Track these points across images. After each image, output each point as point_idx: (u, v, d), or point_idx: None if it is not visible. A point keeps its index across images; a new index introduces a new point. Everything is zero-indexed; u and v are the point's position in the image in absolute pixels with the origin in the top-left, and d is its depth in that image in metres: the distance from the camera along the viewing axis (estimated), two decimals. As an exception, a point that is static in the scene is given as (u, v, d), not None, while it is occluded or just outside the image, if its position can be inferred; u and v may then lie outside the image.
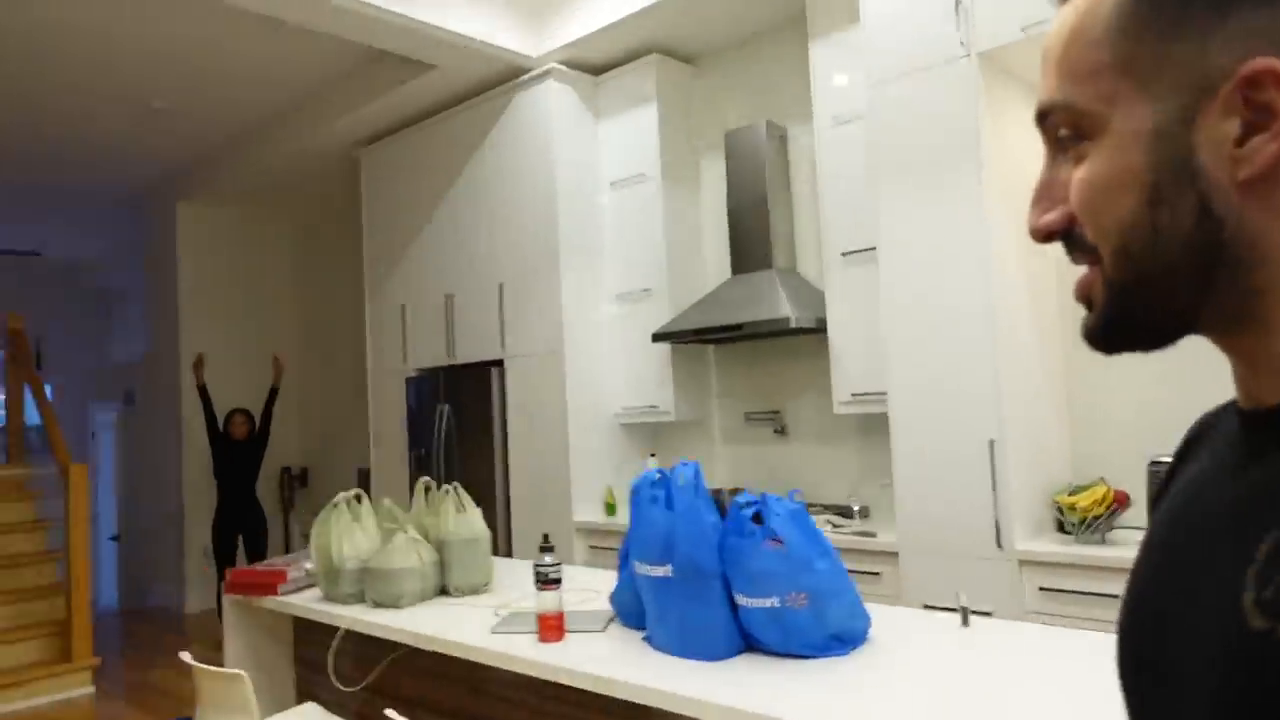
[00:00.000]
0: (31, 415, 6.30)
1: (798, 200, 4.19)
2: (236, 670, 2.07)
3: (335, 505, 2.69)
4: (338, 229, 7.48)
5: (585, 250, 4.60)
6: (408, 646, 2.62)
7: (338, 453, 7.51)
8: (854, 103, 3.63)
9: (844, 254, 3.65)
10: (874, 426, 3.90)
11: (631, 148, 4.55)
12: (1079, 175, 0.52)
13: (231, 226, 7.61)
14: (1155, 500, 0.58)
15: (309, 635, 3.15)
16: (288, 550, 7.70)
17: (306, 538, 7.01)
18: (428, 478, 2.85)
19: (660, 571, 1.90)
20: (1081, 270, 0.54)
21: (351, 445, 7.32)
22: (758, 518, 1.83)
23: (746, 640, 1.87)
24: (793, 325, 3.62)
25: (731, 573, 1.83)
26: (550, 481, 4.52)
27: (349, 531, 2.64)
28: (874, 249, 3.47)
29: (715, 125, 4.59)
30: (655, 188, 4.44)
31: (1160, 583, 0.51)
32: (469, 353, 4.99)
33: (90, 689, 5.10)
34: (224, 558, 6.18)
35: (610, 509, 4.47)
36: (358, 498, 2.74)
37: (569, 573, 2.96)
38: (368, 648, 2.81)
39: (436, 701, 2.59)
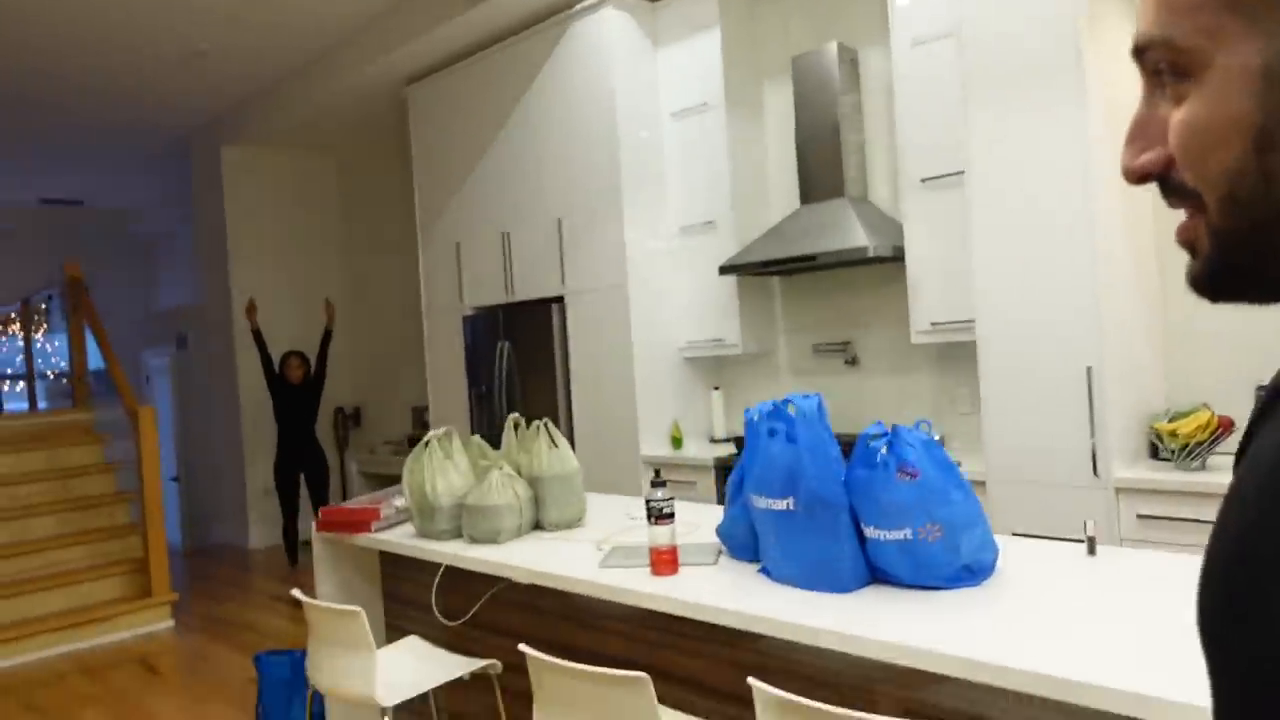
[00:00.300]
0: (87, 360, 6.39)
1: (869, 126, 4.06)
2: (354, 607, 2.08)
3: (427, 443, 2.68)
4: (385, 168, 7.41)
5: (646, 183, 4.50)
6: (507, 581, 2.63)
7: (391, 391, 7.57)
8: (935, 21, 3.47)
9: (924, 180, 3.53)
10: (952, 355, 3.83)
11: (692, 76, 4.41)
12: (1178, 117, 0.48)
13: (277, 169, 7.56)
14: (1240, 454, 0.54)
15: (397, 570, 3.19)
16: (344, 489, 7.83)
17: (363, 476, 7.13)
18: (516, 414, 2.84)
19: (782, 505, 1.88)
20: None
21: (405, 384, 7.37)
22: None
23: (873, 572, 1.85)
24: (870, 255, 3.53)
25: (860, 505, 1.80)
26: (615, 417, 4.51)
27: (442, 469, 2.64)
28: (959, 173, 3.36)
29: (780, 50, 4.43)
30: (718, 117, 4.32)
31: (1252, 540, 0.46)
32: (527, 289, 4.95)
33: (170, 623, 5.26)
34: (287, 498, 6.29)
35: (677, 443, 4.47)
36: (448, 435, 2.74)
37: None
38: (461, 582, 2.84)
39: (535, 634, 2.62)
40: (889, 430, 1.82)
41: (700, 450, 4.33)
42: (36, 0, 4.83)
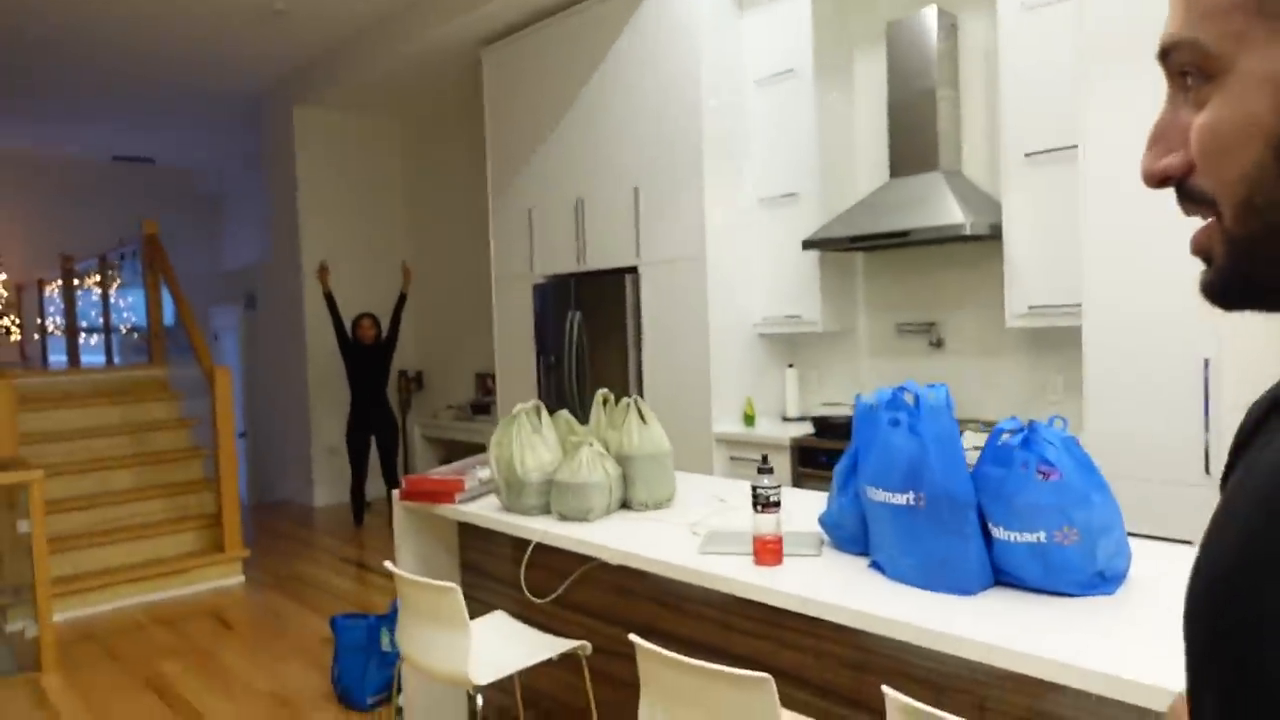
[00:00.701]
0: (164, 317, 6.48)
1: (966, 97, 3.88)
2: (449, 583, 2.05)
3: (515, 416, 2.64)
4: (456, 131, 7.36)
5: (727, 153, 4.38)
6: (597, 560, 2.59)
7: (455, 357, 7.59)
8: (1049, -16, 3.28)
9: (1028, 154, 3.37)
10: (1047, 341, 3.68)
11: (779, 42, 4.26)
12: (1200, 120, 0.48)
13: (348, 130, 7.57)
14: (1229, 470, 0.54)
15: (474, 542, 3.18)
16: (406, 452, 7.90)
17: (425, 440, 7.17)
18: (605, 390, 2.78)
19: (902, 499, 1.79)
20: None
21: (469, 350, 7.38)
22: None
23: (997, 574, 1.76)
24: (966, 233, 3.39)
25: (989, 504, 1.71)
26: (688, 392, 4.44)
27: (530, 444, 2.60)
28: (1069, 148, 3.19)
29: (871, 16, 4.26)
30: (805, 85, 4.17)
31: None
32: (600, 259, 4.88)
33: (241, 578, 5.36)
34: (357, 459, 6.36)
35: (749, 420, 4.38)
36: (536, 410, 2.69)
37: (741, 488, 2.88)
38: (542, 557, 2.80)
39: (622, 616, 2.58)
40: (1025, 425, 1.71)
41: (773, 429, 4.24)
42: (120, -43, 4.83)
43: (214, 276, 9.81)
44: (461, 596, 2.05)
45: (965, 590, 1.72)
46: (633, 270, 4.71)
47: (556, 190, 5.13)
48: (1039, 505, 1.63)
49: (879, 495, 1.85)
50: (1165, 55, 0.50)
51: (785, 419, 4.51)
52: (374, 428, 6.38)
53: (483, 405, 6.87)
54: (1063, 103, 3.24)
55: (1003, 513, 1.68)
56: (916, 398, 1.88)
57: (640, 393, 4.67)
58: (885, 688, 1.37)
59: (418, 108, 7.42)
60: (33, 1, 5.42)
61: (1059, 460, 1.63)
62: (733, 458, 4.29)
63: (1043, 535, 1.65)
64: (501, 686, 2.99)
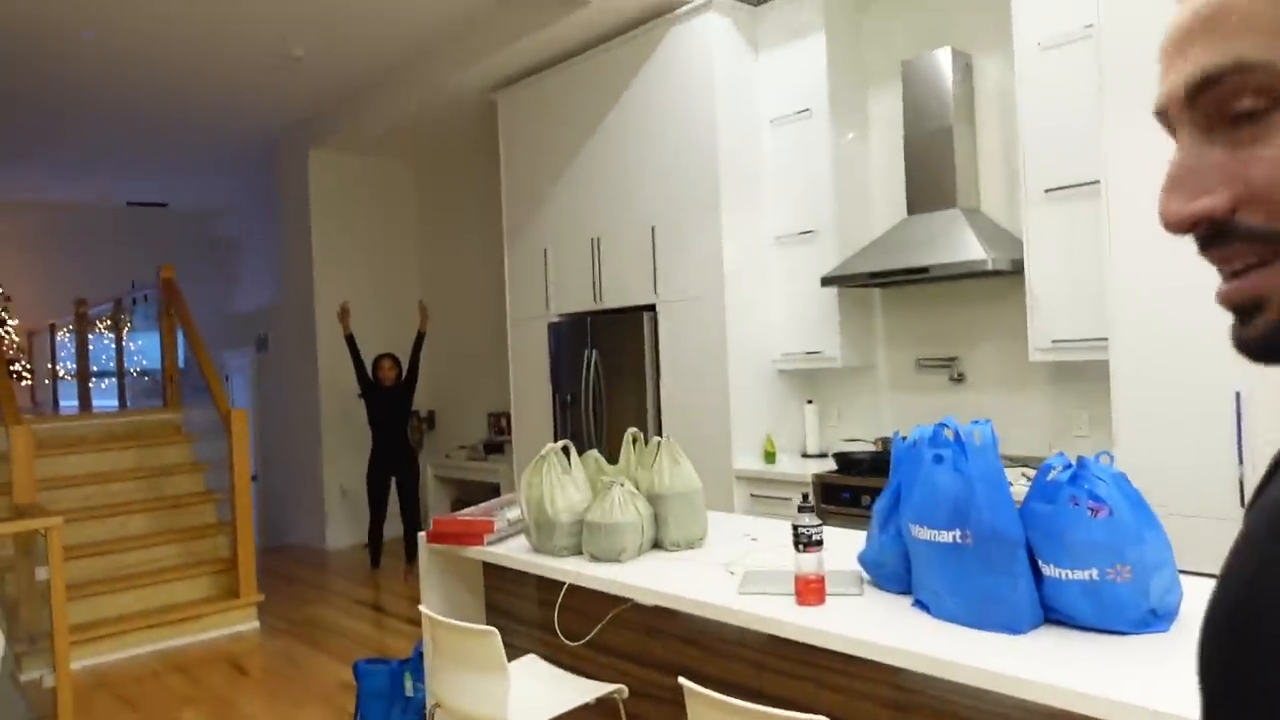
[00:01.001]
0: (179, 361, 6.49)
1: (983, 135, 3.92)
2: (488, 627, 2.03)
3: (544, 456, 2.63)
4: (470, 173, 7.43)
5: (743, 191, 4.41)
6: (630, 602, 2.56)
7: (467, 397, 7.58)
8: (1065, 22, 3.32)
9: (1048, 190, 3.39)
10: (1071, 375, 3.67)
11: (794, 82, 4.32)
12: (1270, 153, 0.44)
13: (362, 173, 7.65)
14: (1250, 506, 0.52)
15: (500, 583, 3.14)
16: (417, 494, 7.86)
17: (438, 480, 7.14)
18: (635, 429, 2.77)
19: (947, 537, 1.77)
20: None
21: (482, 390, 7.38)
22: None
23: (1046, 612, 1.73)
24: (989, 268, 3.40)
25: (1039, 542, 1.69)
26: (708, 429, 4.42)
27: (561, 484, 2.58)
28: (1091, 183, 3.21)
29: (885, 56, 4.31)
30: (821, 123, 4.21)
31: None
32: (617, 297, 4.89)
33: (256, 623, 5.30)
34: (376, 500, 6.31)
35: (770, 457, 4.36)
36: (565, 450, 2.68)
37: (770, 526, 2.86)
38: (573, 599, 2.77)
39: (655, 658, 2.54)
40: (1072, 462, 1.70)
41: (794, 465, 4.22)
42: (132, 6, 4.93)
43: (226, 318, 9.85)
44: (500, 641, 2.03)
45: (1015, 629, 1.70)
46: (650, 308, 4.72)
47: (572, 229, 5.17)
48: (1091, 542, 1.62)
49: (923, 533, 1.83)
50: (1206, 87, 0.46)
51: (805, 455, 4.49)
52: (395, 468, 6.34)
53: (495, 445, 6.85)
54: (1082, 139, 3.26)
55: (1054, 550, 1.66)
56: (956, 433, 1.87)
57: (659, 430, 4.66)
58: (947, 731, 1.34)
59: (432, 150, 7.50)
60: (51, 48, 5.51)
61: (1109, 496, 1.61)
62: (754, 495, 4.26)
63: (1095, 573, 1.63)
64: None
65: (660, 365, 4.65)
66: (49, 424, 5.93)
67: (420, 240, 8.04)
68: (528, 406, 5.53)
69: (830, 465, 4.15)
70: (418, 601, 5.49)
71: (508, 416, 7.02)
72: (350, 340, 6.25)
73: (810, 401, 4.55)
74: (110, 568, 5.26)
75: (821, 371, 4.62)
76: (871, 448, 4.22)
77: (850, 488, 3.81)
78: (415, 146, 7.37)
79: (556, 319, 5.31)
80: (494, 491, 6.82)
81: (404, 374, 6.38)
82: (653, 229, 4.65)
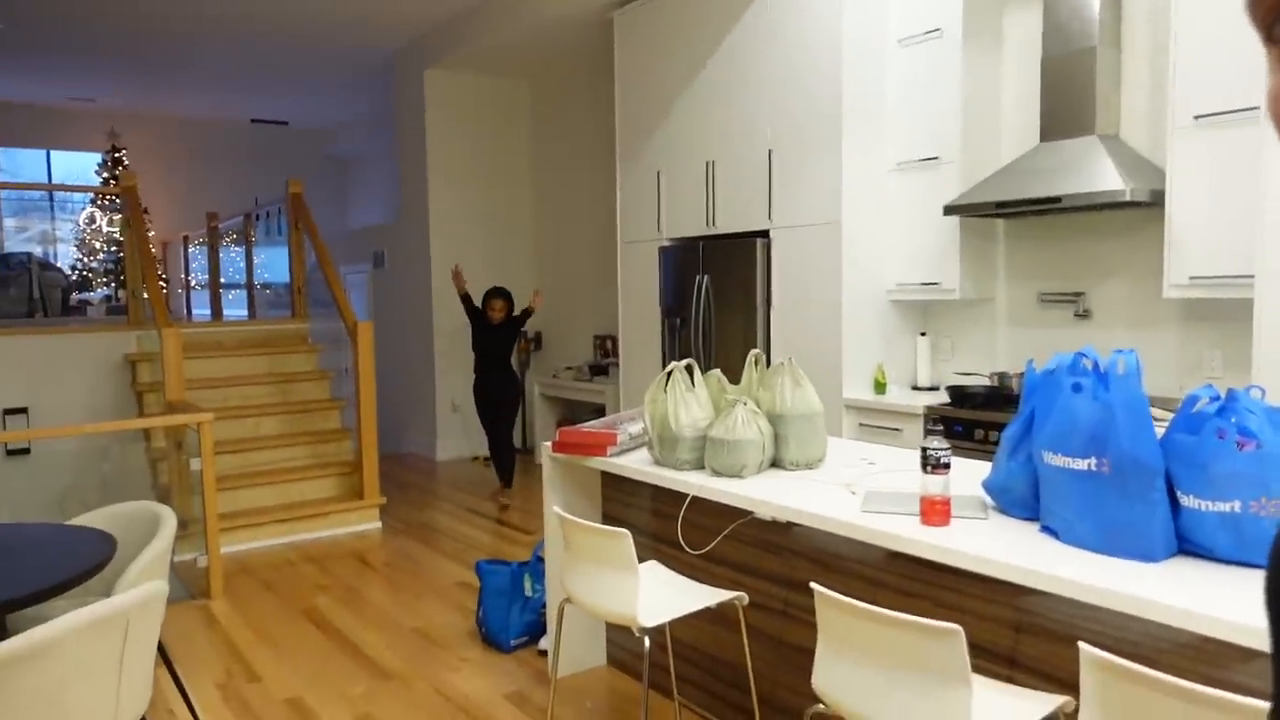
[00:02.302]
0: (284, 274, 6.81)
1: (1128, 57, 3.72)
2: (621, 529, 2.15)
3: (669, 373, 2.71)
4: (584, 94, 7.45)
5: (866, 115, 4.32)
6: (750, 515, 2.66)
7: (573, 319, 7.74)
8: (1231, -64, 3.11)
9: (1197, 117, 3.22)
10: (1206, 313, 3.53)
11: (926, 1, 4.16)
12: None
13: (477, 93, 7.75)
14: None
15: (616, 495, 3.28)
16: (524, 411, 8.13)
17: (544, 399, 7.36)
18: (758, 350, 2.82)
19: (1083, 464, 1.78)
20: None
21: (589, 312, 7.52)
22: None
23: (1181, 542, 1.74)
24: (1127, 199, 3.28)
25: (1180, 472, 1.69)
26: (818, 357, 4.44)
27: (685, 401, 2.67)
28: (1249, 109, 3.03)
29: (1024, -29, 4.10)
30: (953, 44, 4.07)
31: None
32: (730, 222, 4.90)
33: (378, 524, 5.66)
34: (487, 421, 6.33)
35: (880, 387, 4.36)
36: (689, 369, 2.75)
37: (893, 452, 2.90)
38: (689, 511, 2.89)
39: (771, 571, 2.64)
40: (1221, 394, 1.68)
41: (904, 397, 4.21)
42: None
43: (342, 235, 10.23)
44: (632, 542, 2.15)
45: (1149, 557, 1.71)
46: (764, 234, 4.71)
47: (687, 153, 5.16)
48: (1235, 474, 1.61)
49: (1057, 460, 1.84)
50: None
51: (915, 388, 4.47)
52: (498, 399, 6.24)
53: (601, 367, 7.00)
54: (1242, 62, 3.07)
55: (1195, 481, 1.66)
56: (1095, 363, 1.86)
57: (768, 357, 4.70)
58: (1081, 644, 1.39)
59: (547, 71, 7.53)
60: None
61: (1260, 430, 1.59)
62: (862, 424, 4.28)
63: (1237, 505, 1.62)
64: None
65: (772, 292, 4.66)
66: (189, 329, 6.34)
67: (532, 160, 8.13)
68: (636, 330, 5.62)
69: (942, 398, 4.13)
70: (527, 512, 5.74)
71: (614, 340, 7.16)
72: (466, 298, 6.16)
73: (924, 334, 4.50)
74: (245, 464, 5.67)
75: (937, 303, 4.55)
76: (986, 382, 4.17)
77: (963, 421, 3.79)
78: (532, 66, 7.41)
79: (668, 243, 5.35)
80: (599, 412, 7.00)
81: (511, 314, 6.25)
82: (769, 153, 4.61)
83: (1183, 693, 1.25)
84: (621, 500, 3.26)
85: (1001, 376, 3.98)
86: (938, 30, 4.12)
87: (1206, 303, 3.52)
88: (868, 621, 1.60)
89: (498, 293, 6.19)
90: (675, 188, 5.26)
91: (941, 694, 1.53)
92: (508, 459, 6.30)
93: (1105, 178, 3.38)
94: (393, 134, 9.17)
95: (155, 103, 9.95)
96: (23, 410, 5.70)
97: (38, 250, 10.47)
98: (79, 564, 2.37)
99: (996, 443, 3.65)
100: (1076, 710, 1.80)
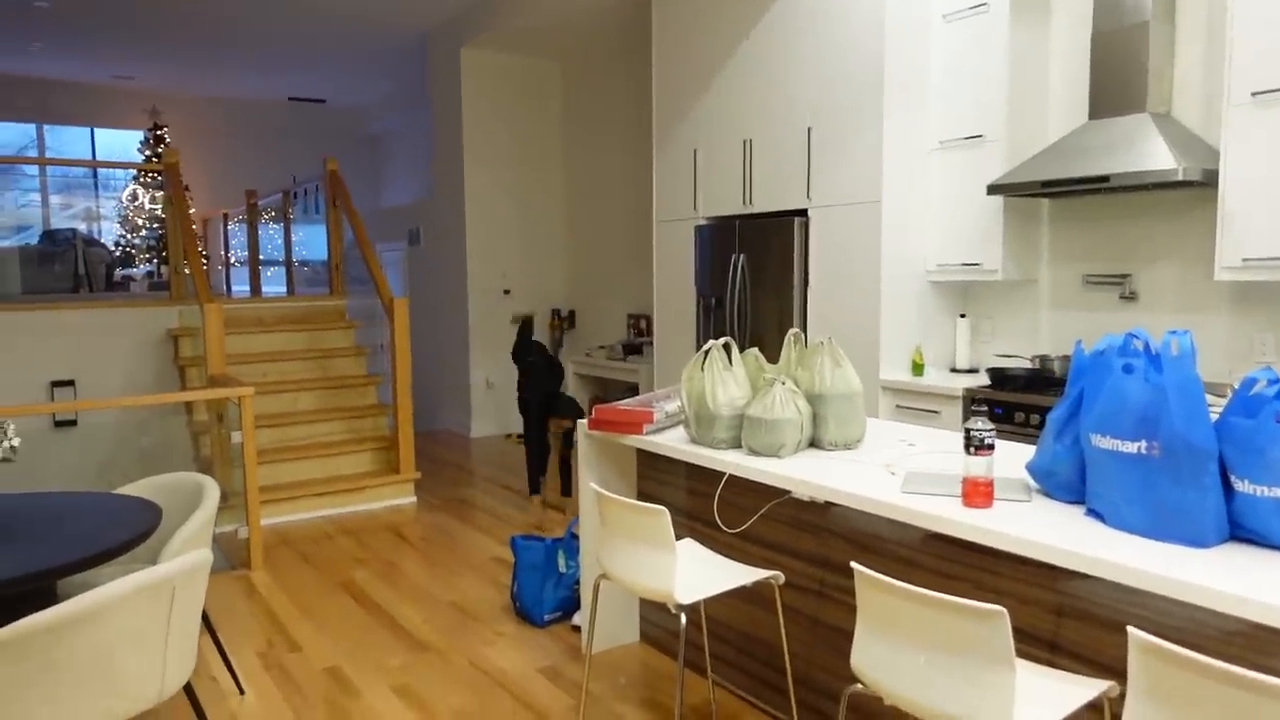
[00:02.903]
0: (320, 251, 6.88)
1: (1182, 32, 3.61)
2: (659, 506, 2.14)
3: (707, 351, 2.70)
4: (619, 72, 7.40)
5: (908, 92, 4.24)
6: (786, 494, 2.64)
7: (607, 297, 7.74)
8: (1295, -95, 3.00)
9: (1255, 94, 3.12)
10: (1258, 296, 3.44)
11: (972, -27, 4.07)
12: None
13: (513, 71, 7.74)
14: None
15: (651, 473, 3.28)
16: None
17: (578, 377, 7.38)
18: (797, 329, 2.80)
19: (1133, 447, 1.74)
20: None
21: (622, 290, 7.51)
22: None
23: (1233, 528, 1.70)
24: (1179, 178, 3.19)
25: (1234, 456, 1.65)
26: (855, 338, 4.39)
27: (722, 379, 2.65)
28: (1309, 87, 2.94)
29: (1075, -57, 4.00)
30: (999, 19, 3.98)
31: None
32: (768, 201, 4.85)
33: (413, 499, 5.72)
34: (530, 418, 5.45)
35: (918, 369, 4.31)
36: (726, 347, 2.74)
37: (932, 433, 2.86)
38: (725, 490, 2.88)
39: (805, 550, 2.63)
40: (1278, 377, 1.63)
41: (942, 379, 4.16)
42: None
43: (378, 212, 10.29)
44: (669, 520, 2.14)
45: (1200, 542, 1.68)
46: (802, 213, 4.66)
47: (724, 130, 5.11)
48: (1295, 459, 1.56)
49: (1105, 443, 1.81)
50: None
51: (954, 370, 4.41)
52: (545, 386, 5.41)
53: (635, 346, 7.00)
54: (1303, 36, 2.97)
55: (1252, 465, 1.62)
56: (1147, 344, 1.82)
57: (805, 338, 4.66)
58: (1131, 628, 1.36)
59: (583, 49, 7.49)
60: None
61: (1322, 414, 1.55)
62: (899, 406, 4.24)
63: (1295, 491, 1.58)
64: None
65: (809, 272, 4.61)
66: (229, 305, 6.43)
67: (566, 138, 8.12)
68: (670, 309, 5.60)
69: (982, 380, 4.07)
70: (560, 492, 5.77)
71: (648, 319, 7.15)
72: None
73: (963, 315, 4.44)
74: (284, 438, 5.75)
75: (977, 284, 4.48)
76: (1028, 364, 4.10)
77: (1003, 404, 3.74)
78: (565, 45, 7.37)
79: (704, 222, 5.32)
80: (633, 391, 7.01)
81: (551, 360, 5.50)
82: (808, 131, 4.55)
83: (1237, 680, 1.23)
84: (656, 478, 3.26)
85: (1043, 359, 3.91)
86: (984, 4, 4.03)
87: (1258, 285, 3.44)
88: (910, 602, 1.59)
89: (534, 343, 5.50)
90: (712, 166, 5.22)
91: (984, 676, 1.51)
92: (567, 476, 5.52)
93: (1156, 157, 3.29)
94: (427, 112, 9.20)
95: (194, 81, 10.05)
96: (70, 383, 5.83)
97: (82, 227, 10.67)
98: (126, 532, 2.42)
99: (1037, 426, 3.61)
100: (1121, 696, 1.78)
